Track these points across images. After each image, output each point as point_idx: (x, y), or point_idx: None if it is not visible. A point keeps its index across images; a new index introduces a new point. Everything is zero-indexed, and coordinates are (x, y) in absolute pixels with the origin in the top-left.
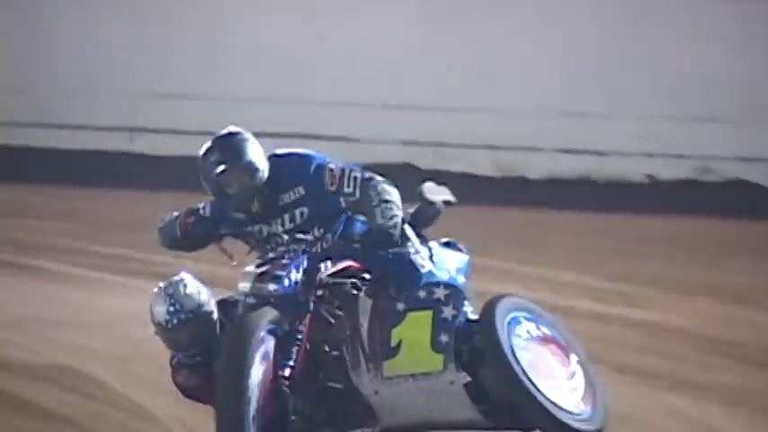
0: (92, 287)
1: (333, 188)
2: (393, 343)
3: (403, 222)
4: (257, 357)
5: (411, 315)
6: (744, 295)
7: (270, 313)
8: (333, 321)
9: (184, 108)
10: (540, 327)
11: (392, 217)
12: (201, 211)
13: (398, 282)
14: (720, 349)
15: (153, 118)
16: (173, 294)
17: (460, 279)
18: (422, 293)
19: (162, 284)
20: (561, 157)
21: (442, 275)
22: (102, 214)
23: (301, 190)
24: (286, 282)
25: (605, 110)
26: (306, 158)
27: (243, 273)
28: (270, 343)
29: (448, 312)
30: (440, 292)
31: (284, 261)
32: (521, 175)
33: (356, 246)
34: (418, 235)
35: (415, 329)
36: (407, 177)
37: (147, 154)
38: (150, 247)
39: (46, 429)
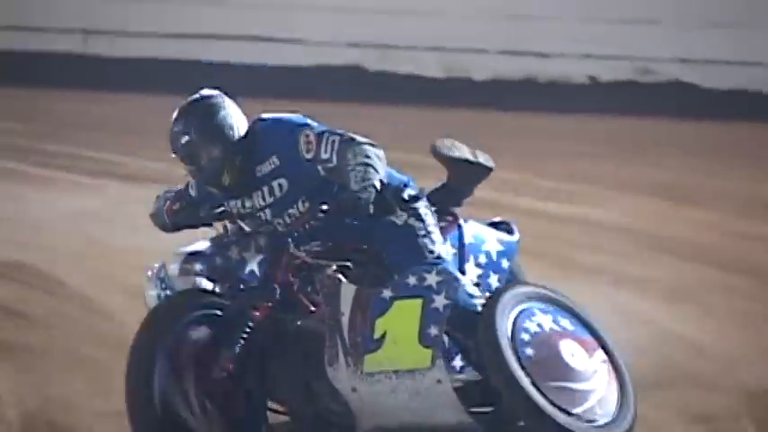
0: (48, 186)
1: (309, 156)
2: (376, 335)
3: (383, 188)
4: (182, 356)
5: (398, 304)
6: (683, 193)
7: (191, 299)
8: (313, 308)
9: (137, 10)
10: (558, 320)
11: (366, 180)
12: (191, 191)
13: (400, 268)
14: (660, 246)
15: (106, 20)
16: (164, 278)
17: (504, 264)
18: (411, 279)
19: (156, 265)
20: (505, 58)
21: (479, 259)
22: (57, 115)
23: (275, 160)
24: (218, 260)
25: (548, 12)
26: (280, 124)
27: (174, 252)
28: (196, 333)
29: (439, 302)
30: (431, 279)
31: (227, 239)
32: (466, 77)
33: (320, 215)
34: (448, 213)
35: (401, 320)
36: (354, 79)
37: (100, 56)
38: (105, 146)
39: (3, 324)
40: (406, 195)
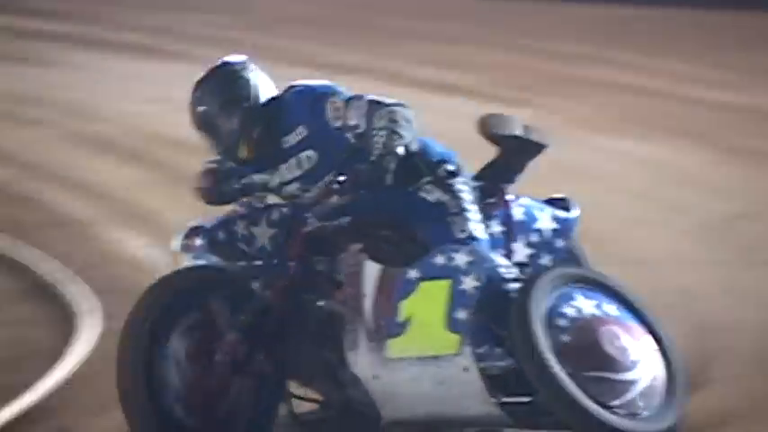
0: None
1: (338, 123)
2: (400, 318)
3: (408, 155)
4: (179, 336)
5: (424, 285)
6: None
7: (193, 276)
8: (336, 288)
9: None
10: (602, 305)
11: (387, 146)
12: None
13: (430, 247)
14: None
15: None
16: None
17: (559, 243)
18: (439, 259)
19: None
20: None
21: (531, 238)
22: (258, 6)
23: (303, 130)
24: (220, 235)
25: None
26: (306, 93)
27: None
28: (196, 313)
29: (468, 283)
30: (461, 259)
31: (235, 213)
32: None
33: (336, 186)
34: (497, 190)
35: (427, 303)
36: None
37: None
38: (307, 38)
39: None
40: (442, 171)
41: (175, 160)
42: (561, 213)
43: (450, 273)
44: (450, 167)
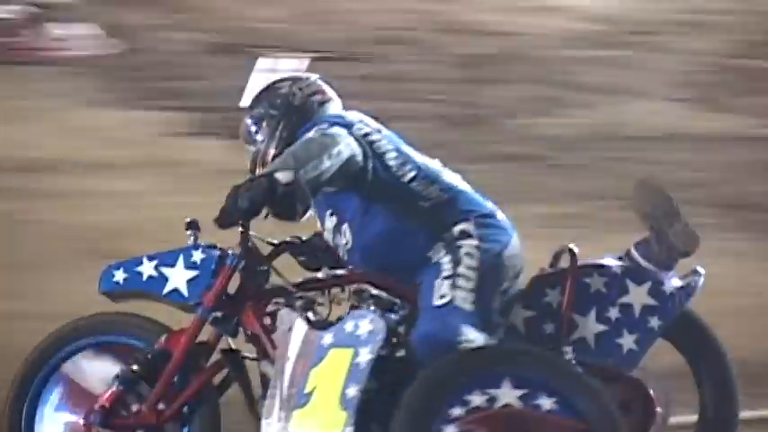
0: None
1: None
2: (308, 388)
3: (444, 203)
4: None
5: (333, 353)
6: None
7: (90, 326)
8: (270, 349)
9: None
10: (538, 397)
11: (270, 168)
12: None
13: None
14: None
15: None
16: None
17: (653, 323)
18: (349, 325)
19: None
20: None
21: (608, 313)
22: None
23: None
24: (117, 275)
25: None
26: (318, 119)
27: None
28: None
29: (364, 356)
30: (364, 327)
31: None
32: None
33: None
34: (649, 275)
35: (331, 373)
36: None
37: None
38: None
39: None
40: (456, 231)
41: None
42: (668, 289)
43: (354, 342)
44: (466, 227)
